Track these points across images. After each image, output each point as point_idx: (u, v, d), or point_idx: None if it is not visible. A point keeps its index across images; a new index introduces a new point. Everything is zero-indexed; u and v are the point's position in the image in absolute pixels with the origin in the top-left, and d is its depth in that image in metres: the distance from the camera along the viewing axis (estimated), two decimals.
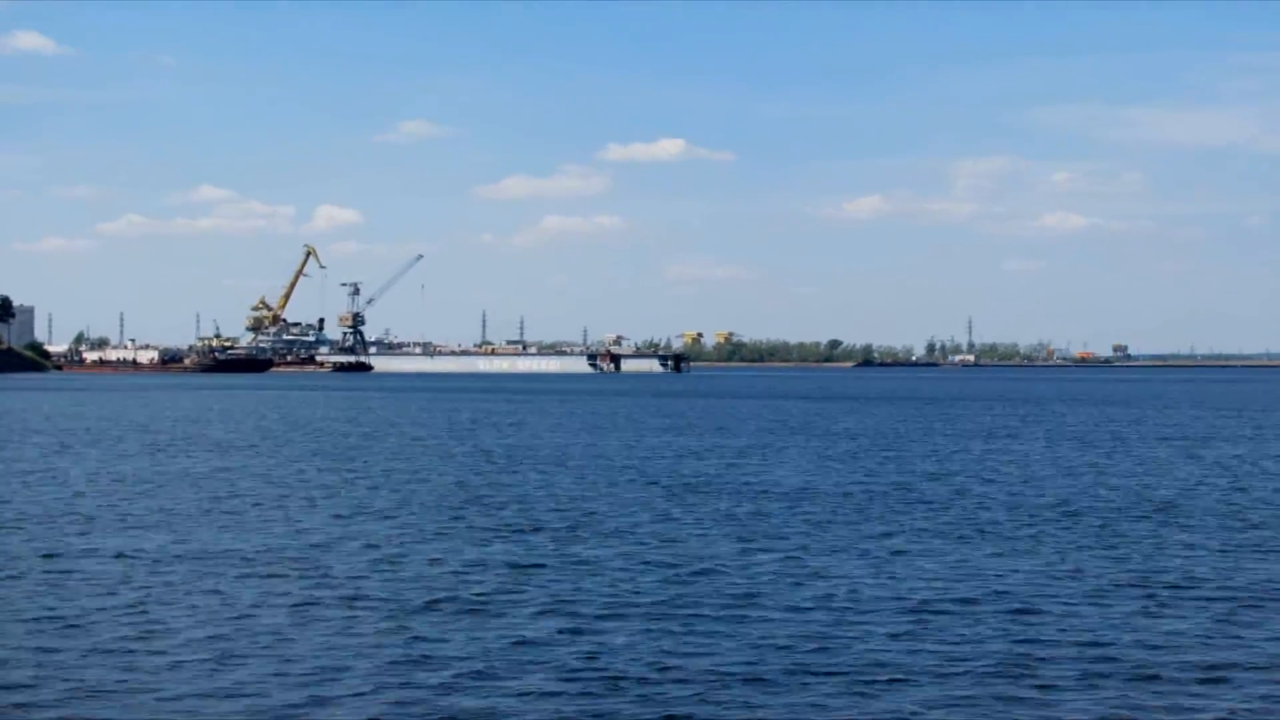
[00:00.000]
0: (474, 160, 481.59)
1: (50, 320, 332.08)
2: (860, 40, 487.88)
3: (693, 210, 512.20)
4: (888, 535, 23.81)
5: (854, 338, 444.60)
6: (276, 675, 13.72)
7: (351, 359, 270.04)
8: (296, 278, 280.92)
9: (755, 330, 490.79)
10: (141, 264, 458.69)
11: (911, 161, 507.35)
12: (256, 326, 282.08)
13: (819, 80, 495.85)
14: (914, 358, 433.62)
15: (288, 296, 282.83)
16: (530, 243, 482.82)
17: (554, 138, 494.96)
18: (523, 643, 15.10)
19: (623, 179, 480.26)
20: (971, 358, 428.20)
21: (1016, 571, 19.90)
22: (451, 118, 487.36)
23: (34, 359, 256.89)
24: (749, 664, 14.17)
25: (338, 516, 26.38)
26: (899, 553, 21.72)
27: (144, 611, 16.75)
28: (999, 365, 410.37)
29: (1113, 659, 14.55)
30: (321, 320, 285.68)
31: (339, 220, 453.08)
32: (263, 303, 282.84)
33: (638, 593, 18.01)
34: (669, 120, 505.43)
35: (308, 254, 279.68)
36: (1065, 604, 17.47)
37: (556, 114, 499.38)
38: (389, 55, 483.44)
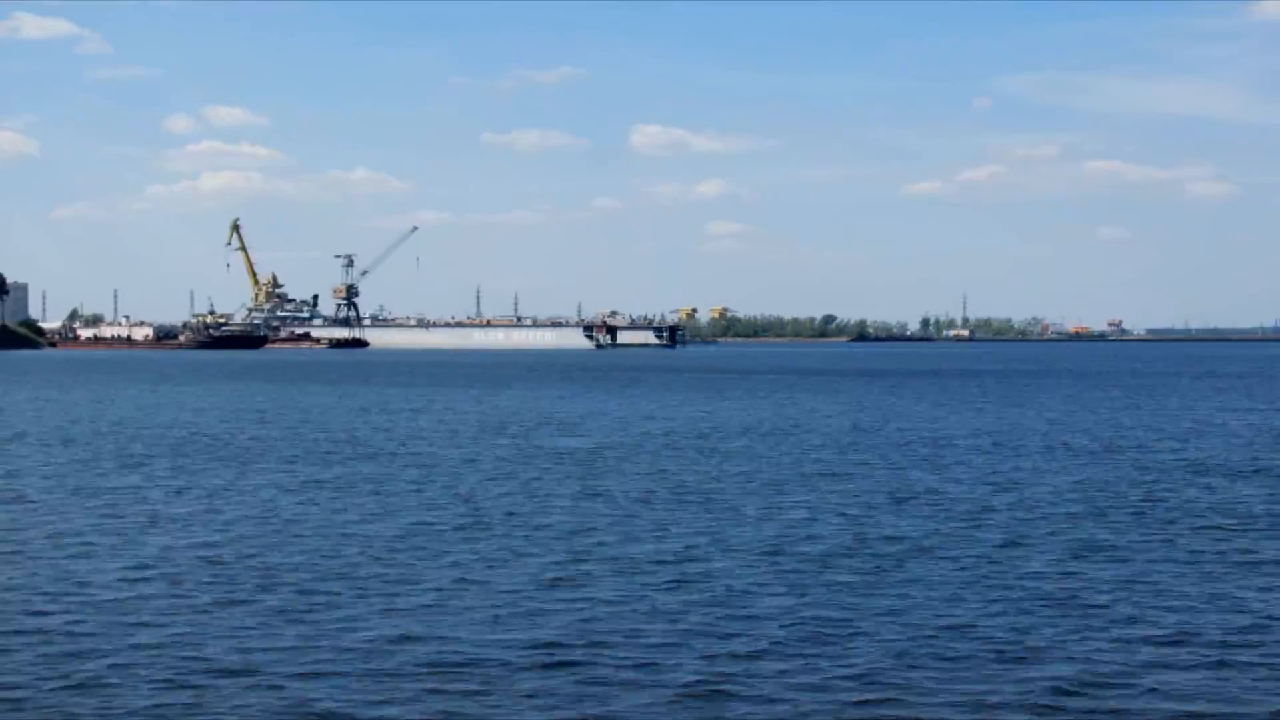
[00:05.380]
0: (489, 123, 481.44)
1: (44, 297, 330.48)
2: (854, 19, 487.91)
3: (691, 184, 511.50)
4: None
5: (847, 313, 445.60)
6: None
7: (346, 333, 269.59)
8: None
9: (748, 306, 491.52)
10: (136, 239, 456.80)
11: (903, 136, 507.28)
12: (252, 302, 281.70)
13: (801, 52, 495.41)
14: (908, 333, 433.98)
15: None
16: (528, 217, 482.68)
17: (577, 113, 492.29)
18: None
19: (619, 158, 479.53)
20: (966, 333, 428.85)
21: None
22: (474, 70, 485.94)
23: (28, 336, 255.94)
24: None
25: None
26: None
27: None
28: (993, 340, 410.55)
29: None
30: (316, 296, 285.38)
31: (343, 182, 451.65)
32: (255, 278, 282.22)
33: None
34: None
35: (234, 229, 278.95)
36: None
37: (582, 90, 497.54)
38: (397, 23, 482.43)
